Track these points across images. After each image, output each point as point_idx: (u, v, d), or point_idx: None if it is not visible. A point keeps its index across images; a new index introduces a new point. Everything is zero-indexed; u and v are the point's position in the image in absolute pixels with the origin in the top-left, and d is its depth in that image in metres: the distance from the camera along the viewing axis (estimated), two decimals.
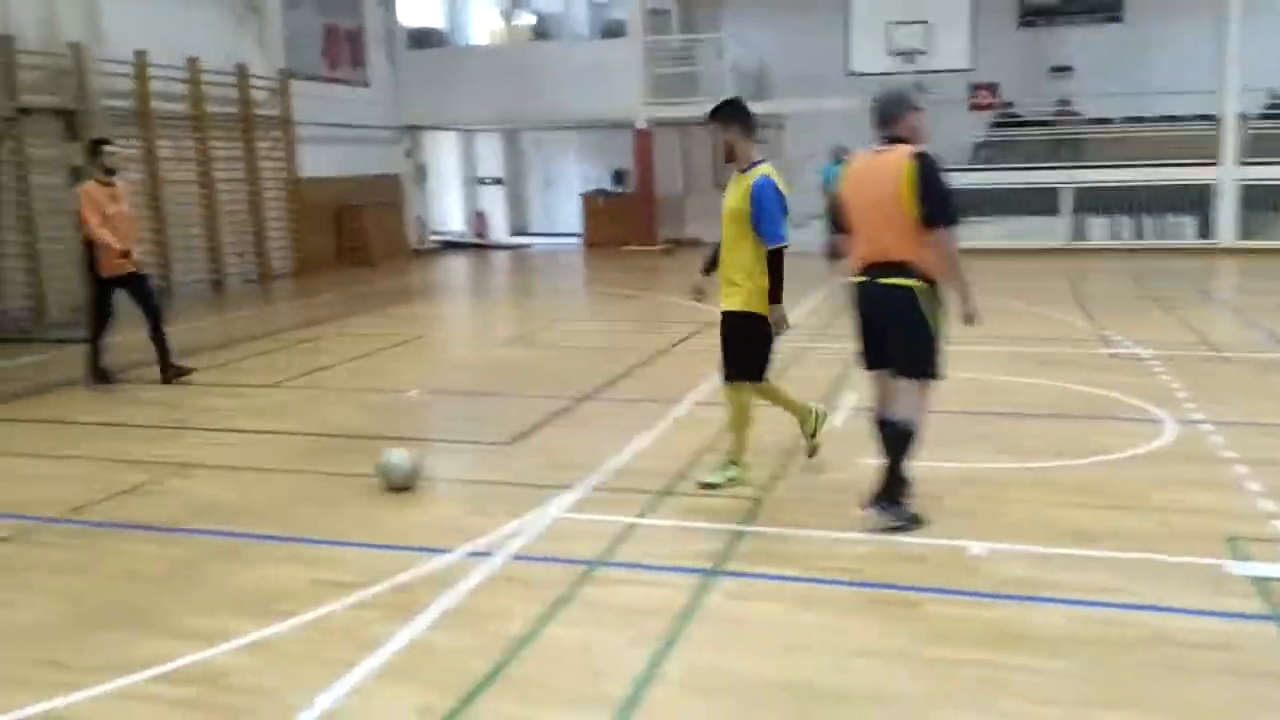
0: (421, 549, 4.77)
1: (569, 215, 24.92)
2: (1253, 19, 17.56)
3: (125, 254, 8.41)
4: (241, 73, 16.34)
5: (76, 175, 10.61)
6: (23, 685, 3.62)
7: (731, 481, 5.53)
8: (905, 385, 4.78)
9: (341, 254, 19.32)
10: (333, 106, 18.84)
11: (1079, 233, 18.98)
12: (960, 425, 6.64)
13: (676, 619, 3.99)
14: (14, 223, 11.97)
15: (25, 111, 10.71)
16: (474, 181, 25.23)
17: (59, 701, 3.49)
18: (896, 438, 4.77)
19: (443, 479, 5.93)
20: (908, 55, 17.67)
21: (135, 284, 8.65)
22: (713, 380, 8.26)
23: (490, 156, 25.44)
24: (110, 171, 8.55)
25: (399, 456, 5.61)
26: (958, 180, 18.84)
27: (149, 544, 5.00)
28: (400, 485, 5.56)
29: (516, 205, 25.94)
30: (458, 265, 20.18)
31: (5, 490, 5.90)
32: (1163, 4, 19.91)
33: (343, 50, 19.52)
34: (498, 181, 25.48)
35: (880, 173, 4.69)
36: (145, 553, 4.88)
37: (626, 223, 21.79)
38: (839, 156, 18.35)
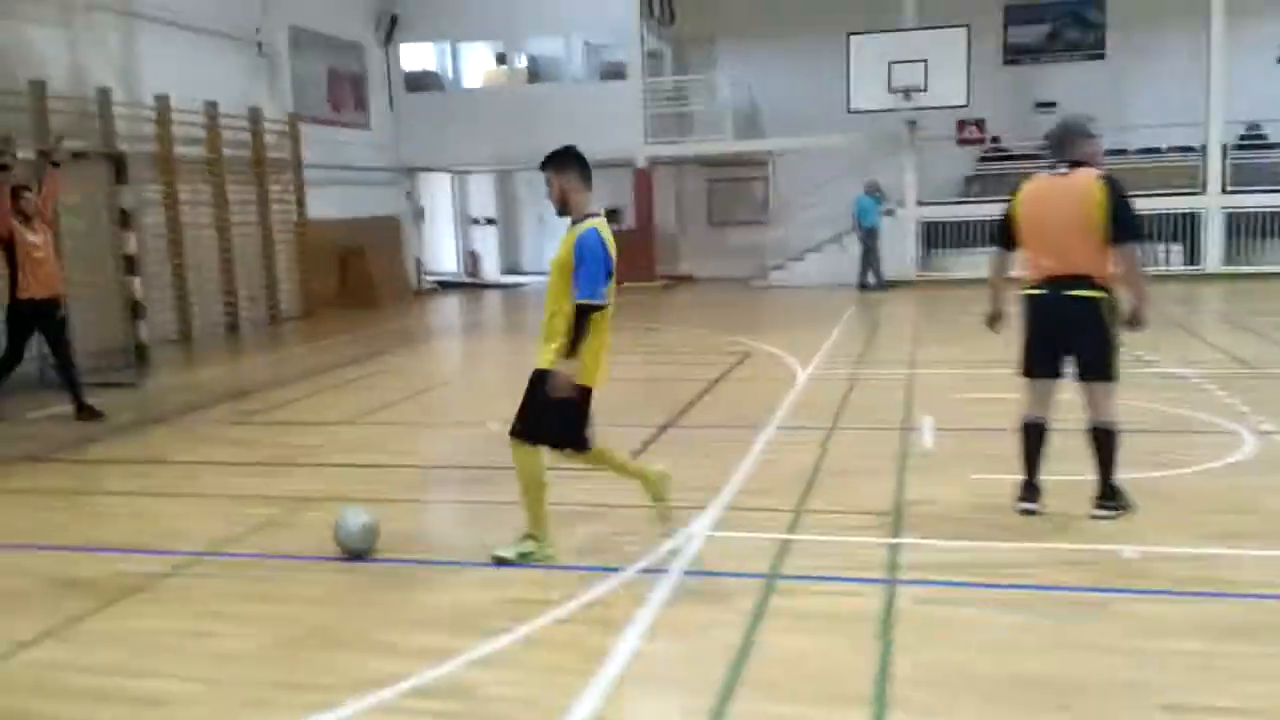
0: (591, 568, 4.89)
1: None
2: (1233, 55, 18.36)
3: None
4: (255, 117, 16.43)
5: (124, 219, 10.62)
6: (267, 707, 3.68)
7: (524, 557, 4.93)
8: (1101, 389, 5.17)
9: (345, 296, 19.36)
10: (336, 149, 18.98)
11: None
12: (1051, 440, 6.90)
13: (880, 624, 4.15)
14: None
15: (80, 155, 10.74)
16: (467, 222, 25.39)
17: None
18: (1109, 438, 5.19)
19: (573, 504, 6.04)
20: (906, 93, 18.18)
21: (47, 319, 9.04)
22: (785, 409, 8.53)
23: (483, 197, 25.64)
24: (28, 217, 8.99)
25: (352, 521, 5.09)
26: (952, 212, 19.42)
27: (316, 572, 5.06)
28: (357, 550, 5.08)
29: (508, 244, 26.12)
30: (461, 304, 20.27)
31: (141, 527, 5.91)
32: (1142, 43, 20.65)
33: (346, 94, 19.68)
34: (491, 222, 25.66)
35: (1067, 193, 5.03)
36: (318, 580, 4.94)
37: (619, 260, 22.02)
38: (871, 191, 18.82)
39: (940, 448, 7.10)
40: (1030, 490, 5.41)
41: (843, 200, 19.56)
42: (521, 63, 23.41)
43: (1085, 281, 5.04)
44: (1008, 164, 20.91)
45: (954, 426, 7.55)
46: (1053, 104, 21.69)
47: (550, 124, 20.73)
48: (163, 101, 14.29)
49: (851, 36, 18.56)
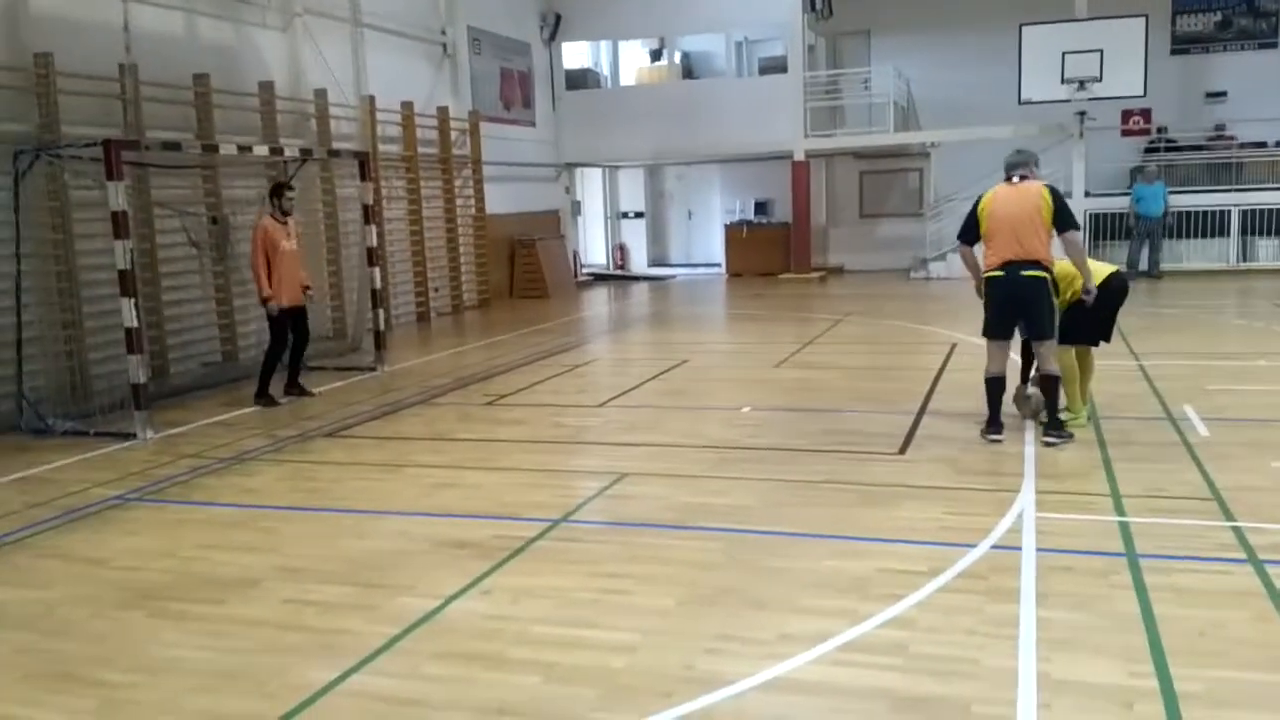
0: (942, 544, 5.18)
1: (706, 246, 25.57)
2: None
3: (305, 287, 9.72)
4: (442, 115, 17.09)
5: (367, 214, 11.26)
6: (719, 656, 4.03)
7: (1069, 423, 7.34)
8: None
9: (514, 287, 20.02)
10: (507, 146, 19.60)
11: (1246, 254, 19.14)
12: None
13: (1272, 599, 4.34)
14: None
15: (334, 153, 11.43)
16: (617, 215, 25.91)
17: (778, 669, 3.90)
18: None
19: (881, 484, 6.33)
20: (1080, 84, 17.98)
21: (297, 317, 9.66)
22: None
23: (631, 191, 26.12)
24: (286, 213, 9.55)
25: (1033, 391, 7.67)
26: (1123, 204, 19.07)
27: (684, 540, 5.44)
28: (1035, 413, 7.61)
29: (656, 237, 26.56)
30: (624, 295, 20.67)
31: (485, 496, 6.37)
32: None
33: (515, 92, 20.30)
34: (639, 215, 26.13)
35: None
36: (692, 547, 5.31)
37: (768, 252, 22.43)
38: (1151, 180, 18.75)
39: (1216, 436, 7.18)
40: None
41: None
42: (675, 59, 23.78)
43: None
44: (1174, 155, 20.55)
45: (1216, 416, 7.63)
46: (1223, 93, 21.23)
47: (706, 118, 21.13)
48: (369, 102, 15.00)
49: (1025, 27, 18.39)
